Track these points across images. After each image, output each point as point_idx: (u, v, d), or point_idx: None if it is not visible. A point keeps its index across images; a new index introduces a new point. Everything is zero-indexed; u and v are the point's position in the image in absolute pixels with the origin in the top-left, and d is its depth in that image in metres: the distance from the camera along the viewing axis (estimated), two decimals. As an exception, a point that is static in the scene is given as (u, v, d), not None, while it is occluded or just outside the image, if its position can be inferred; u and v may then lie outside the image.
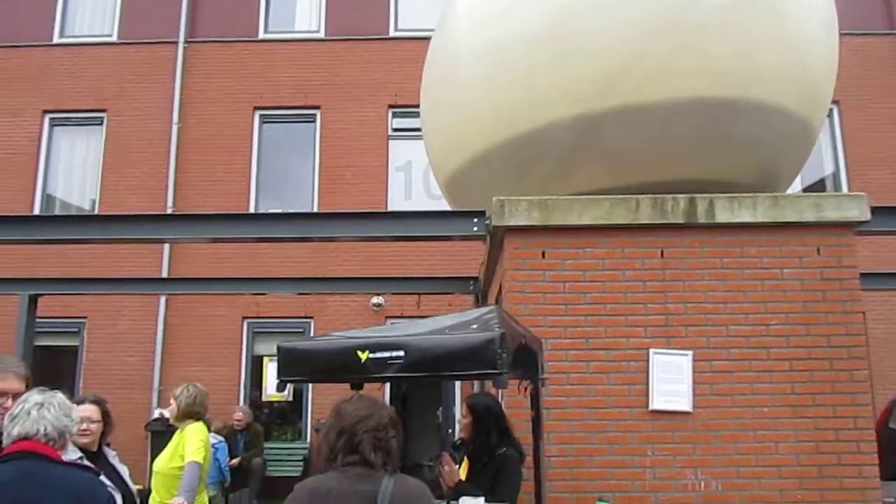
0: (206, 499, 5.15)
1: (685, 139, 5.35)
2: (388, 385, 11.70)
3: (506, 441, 4.24)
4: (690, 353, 4.83)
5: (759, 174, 5.84)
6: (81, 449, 3.83)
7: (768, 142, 5.65)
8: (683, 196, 5.03)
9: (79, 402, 4.01)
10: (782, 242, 5.00)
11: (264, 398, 12.02)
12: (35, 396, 2.55)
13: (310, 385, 11.80)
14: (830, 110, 10.41)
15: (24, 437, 2.47)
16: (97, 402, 4.08)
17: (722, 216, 4.99)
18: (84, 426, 3.86)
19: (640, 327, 4.87)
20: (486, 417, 4.19)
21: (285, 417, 12.29)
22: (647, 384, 4.79)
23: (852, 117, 12.35)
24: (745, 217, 4.99)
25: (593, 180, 5.46)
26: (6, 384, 3.05)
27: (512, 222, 4.91)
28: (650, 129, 5.28)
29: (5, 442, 2.51)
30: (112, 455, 4.09)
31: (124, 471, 3.99)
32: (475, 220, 5.22)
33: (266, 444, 11.12)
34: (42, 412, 2.51)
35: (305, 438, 11.86)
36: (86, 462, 3.02)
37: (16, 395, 3.04)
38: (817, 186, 12.24)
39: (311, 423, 11.70)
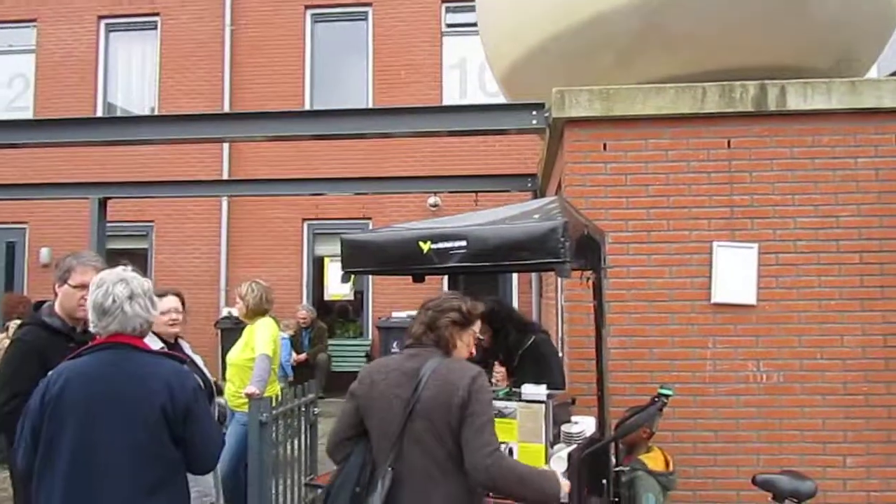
0: (277, 388, 5.40)
1: (755, 22, 5.07)
2: (445, 287, 11.87)
3: (529, 330, 4.30)
4: (756, 245, 4.72)
5: (835, 59, 5.52)
6: (161, 339, 4.03)
7: (845, 23, 5.30)
8: (753, 83, 4.80)
9: (161, 295, 4.19)
10: (858, 130, 4.77)
11: (327, 297, 12.36)
12: (121, 287, 2.57)
13: (371, 284, 12.07)
14: (915, -10, 9.66)
15: (120, 333, 2.57)
16: (178, 294, 4.26)
17: (794, 103, 4.75)
18: (173, 317, 4.06)
19: (704, 220, 4.76)
20: (497, 321, 4.22)
21: (347, 315, 12.66)
22: (710, 277, 4.73)
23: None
24: (819, 104, 4.75)
25: (657, 68, 5.25)
26: (87, 277, 3.17)
27: (572, 113, 4.78)
28: (717, 12, 5.01)
29: (95, 330, 2.62)
30: (187, 346, 4.29)
31: (199, 360, 4.19)
32: (534, 112, 5.09)
33: (329, 342, 11.52)
34: (134, 307, 2.56)
35: (367, 335, 12.23)
36: (168, 352, 3.16)
37: None
38: (896, 75, 11.54)
39: (373, 321, 12.03)
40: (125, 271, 2.66)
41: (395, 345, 11.23)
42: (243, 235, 12.43)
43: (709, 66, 5.20)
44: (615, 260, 4.56)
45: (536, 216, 3.04)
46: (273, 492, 4.99)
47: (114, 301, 2.54)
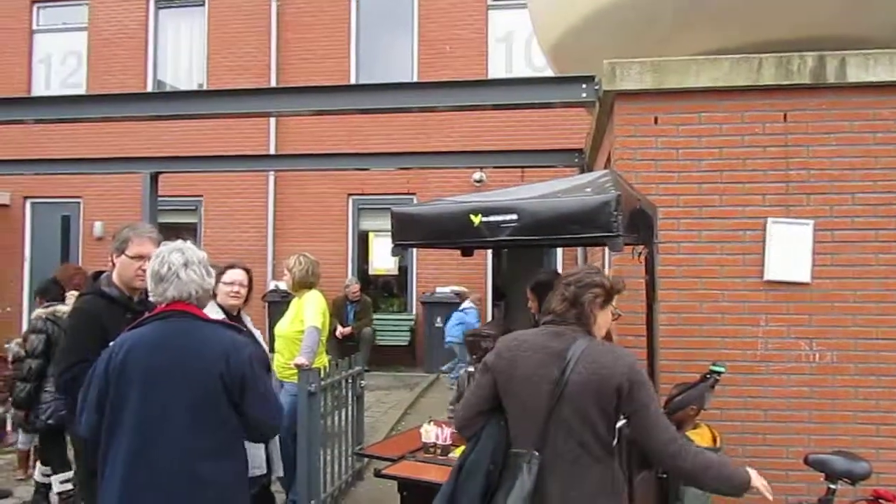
0: (325, 360, 5.48)
1: (813, -10, 4.90)
2: (489, 263, 11.88)
3: None
4: (811, 222, 4.60)
5: (897, 28, 5.32)
6: (224, 311, 4.11)
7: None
8: (811, 54, 4.64)
9: (229, 267, 4.29)
10: (922, 103, 4.60)
11: (371, 272, 12.45)
12: (176, 256, 2.66)
13: (415, 259, 12.13)
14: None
15: (178, 300, 2.64)
16: (245, 269, 4.34)
17: (854, 75, 4.59)
18: (236, 289, 4.14)
19: (758, 195, 4.66)
20: (545, 293, 4.17)
21: (391, 290, 12.75)
22: (763, 254, 4.63)
23: None
24: (882, 75, 4.57)
25: (712, 40, 5.12)
26: (143, 248, 3.26)
27: (623, 86, 4.69)
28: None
29: (155, 298, 2.70)
30: (248, 320, 4.37)
31: (258, 334, 4.27)
32: (584, 85, 5.00)
33: (374, 316, 11.64)
34: (189, 274, 2.64)
35: (411, 310, 12.31)
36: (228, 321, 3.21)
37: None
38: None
39: (417, 296, 12.11)
40: (182, 243, 2.74)
41: (438, 320, 11.30)
42: (290, 210, 12.58)
43: (765, 37, 5.05)
44: (665, 235, 4.50)
45: (588, 190, 3.01)
46: (321, 460, 5.11)
47: (169, 268, 2.63)
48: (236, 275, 4.17)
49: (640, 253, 3.51)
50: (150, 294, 2.70)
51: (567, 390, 2.35)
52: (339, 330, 10.46)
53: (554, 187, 3.18)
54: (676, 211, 4.68)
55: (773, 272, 4.62)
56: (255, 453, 3.87)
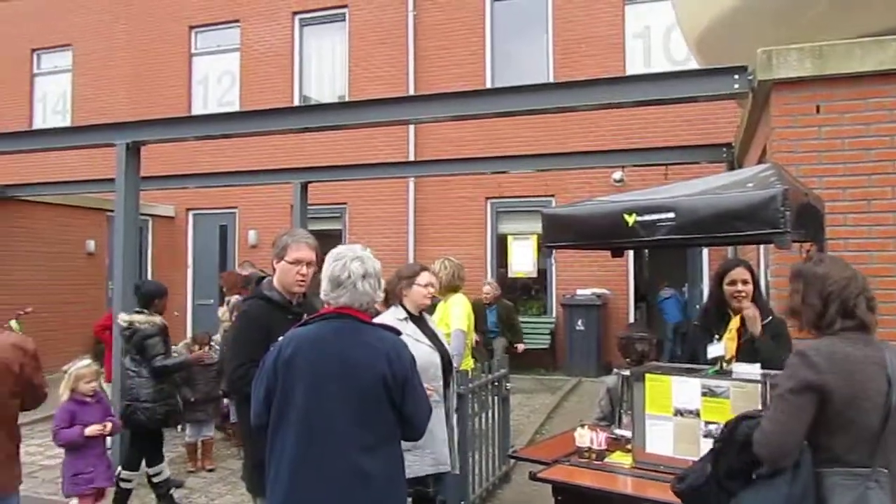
0: (471, 362, 5.52)
1: None
2: (630, 264, 11.57)
3: (769, 309, 3.98)
4: None
5: None
6: (406, 311, 4.23)
7: None
8: None
9: (423, 269, 4.45)
10: None
11: (510, 274, 12.44)
12: (356, 265, 2.75)
13: (554, 261, 12.01)
14: None
15: (349, 306, 2.76)
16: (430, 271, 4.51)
17: None
18: (431, 290, 4.32)
19: (937, 186, 4.27)
20: (755, 281, 3.92)
21: (531, 293, 12.68)
22: (945, 249, 4.24)
23: None
24: None
25: (876, 19, 4.76)
26: (301, 253, 3.42)
27: (780, 74, 4.43)
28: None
29: (326, 299, 2.82)
30: (430, 320, 4.48)
31: (441, 334, 4.38)
32: (736, 76, 4.75)
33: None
34: (364, 286, 2.75)
35: (551, 313, 12.20)
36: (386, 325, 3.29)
37: (308, 264, 3.41)
38: None
39: (557, 299, 11.98)
40: (362, 250, 2.84)
41: (579, 322, 11.14)
42: (429, 215, 12.82)
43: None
44: (831, 232, 4.20)
45: (750, 185, 2.86)
46: (469, 462, 5.15)
47: (349, 276, 2.73)
48: (428, 277, 4.34)
49: (807, 250, 3.30)
50: (322, 294, 2.82)
51: None
52: (520, 347, 10.34)
53: (711, 183, 3.06)
54: (842, 206, 4.37)
55: (957, 269, 4.21)
56: (442, 450, 3.96)
